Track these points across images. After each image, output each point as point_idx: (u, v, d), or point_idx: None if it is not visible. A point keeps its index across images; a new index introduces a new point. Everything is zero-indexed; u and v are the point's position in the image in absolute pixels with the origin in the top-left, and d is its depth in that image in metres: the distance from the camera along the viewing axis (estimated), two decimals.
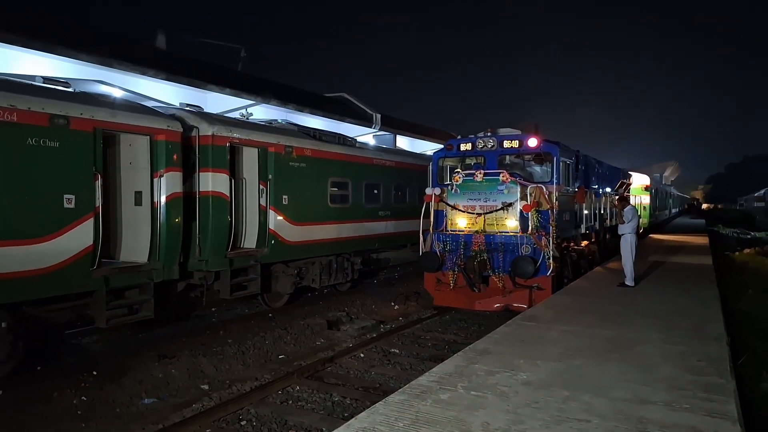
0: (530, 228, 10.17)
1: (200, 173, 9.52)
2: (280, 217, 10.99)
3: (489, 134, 11.43)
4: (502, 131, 11.61)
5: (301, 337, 9.57)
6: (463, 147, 11.55)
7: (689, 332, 7.05)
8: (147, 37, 13.72)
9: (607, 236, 16.60)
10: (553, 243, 10.11)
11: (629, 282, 10.55)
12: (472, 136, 11.67)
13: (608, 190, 16.71)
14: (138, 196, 8.82)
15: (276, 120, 12.57)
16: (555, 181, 10.77)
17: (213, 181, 9.58)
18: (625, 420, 4.22)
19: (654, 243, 21.27)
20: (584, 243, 13.74)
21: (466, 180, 10.69)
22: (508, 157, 11.26)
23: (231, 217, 9.94)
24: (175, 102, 11.21)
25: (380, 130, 18.16)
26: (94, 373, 7.39)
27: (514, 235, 10.23)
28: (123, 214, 8.94)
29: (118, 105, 8.52)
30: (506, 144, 11.07)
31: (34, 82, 7.79)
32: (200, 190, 9.51)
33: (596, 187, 14.99)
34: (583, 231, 13.37)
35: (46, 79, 8.01)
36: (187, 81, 11.74)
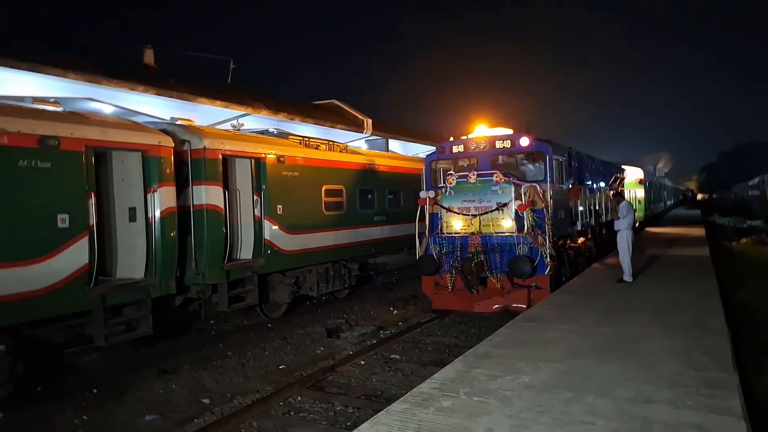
0: (526, 227, 10.17)
1: (194, 186, 9.48)
2: (275, 227, 10.96)
3: (481, 135, 11.45)
4: (494, 131, 11.63)
5: (300, 346, 9.53)
6: (455, 149, 11.55)
7: (690, 326, 7.05)
8: (134, 53, 13.71)
9: (603, 232, 16.63)
10: (549, 241, 10.12)
11: (627, 278, 10.56)
12: (465, 137, 11.69)
13: (602, 185, 16.75)
14: (132, 212, 8.78)
15: (267, 130, 12.55)
16: (548, 179, 10.78)
17: (207, 194, 9.54)
18: (629, 420, 4.21)
19: (650, 236, 21.32)
20: (581, 240, 13.76)
21: (460, 182, 10.69)
22: (500, 157, 11.27)
23: (226, 229, 9.91)
24: (166, 116, 11.19)
25: (372, 134, 18.17)
26: (95, 391, 7.34)
27: (510, 235, 10.22)
28: (117, 231, 8.89)
29: (109, 122, 8.50)
30: (498, 144, 11.08)
31: (23, 104, 7.77)
32: (194, 203, 9.48)
33: (590, 183, 15.02)
34: (578, 228, 13.38)
35: (36, 99, 7.99)
36: (177, 95, 11.72)
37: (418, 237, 11.09)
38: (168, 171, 8.88)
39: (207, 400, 7.26)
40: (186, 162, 9.44)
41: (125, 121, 8.95)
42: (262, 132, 12.14)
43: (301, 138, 12.59)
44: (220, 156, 9.81)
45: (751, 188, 61.61)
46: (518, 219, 10.25)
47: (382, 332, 10.62)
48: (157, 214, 8.71)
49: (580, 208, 13.54)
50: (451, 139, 12.58)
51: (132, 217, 8.77)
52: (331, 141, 13.56)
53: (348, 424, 6.14)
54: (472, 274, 10.40)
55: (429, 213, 11.09)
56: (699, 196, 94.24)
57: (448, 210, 10.80)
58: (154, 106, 11.60)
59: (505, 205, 10.30)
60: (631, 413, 4.35)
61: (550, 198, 10.60)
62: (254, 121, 13.80)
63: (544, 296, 9.84)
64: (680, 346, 6.19)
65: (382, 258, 15.32)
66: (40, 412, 6.66)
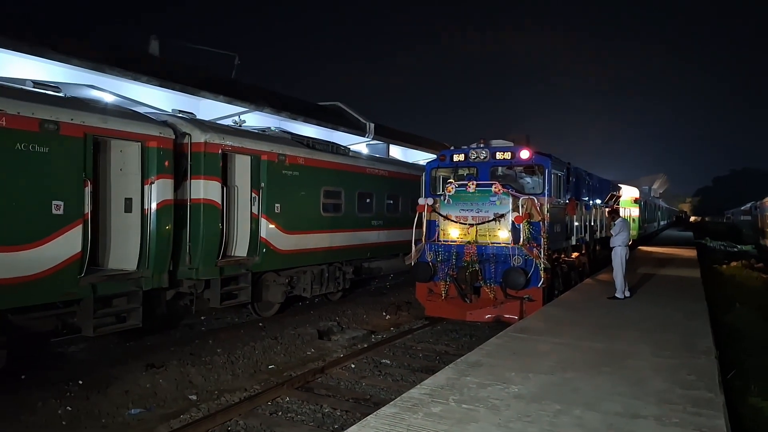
0: (522, 239, 10.20)
1: (192, 180, 9.44)
2: (271, 226, 10.93)
3: (482, 146, 11.50)
4: (495, 143, 11.68)
5: (291, 347, 9.49)
6: (456, 158, 11.60)
7: (679, 345, 7.09)
8: (140, 43, 13.70)
9: (597, 248, 16.70)
10: (544, 254, 10.15)
11: (619, 294, 10.60)
12: (465, 147, 11.74)
13: (598, 202, 16.84)
14: (128, 202, 8.73)
15: (269, 128, 12.53)
16: (546, 192, 10.83)
17: (205, 189, 9.51)
18: None
19: (643, 255, 21.43)
20: (575, 254, 13.81)
21: (459, 191, 10.73)
22: (500, 168, 11.32)
23: (222, 225, 9.87)
24: (168, 108, 11.16)
25: (373, 139, 18.21)
26: (80, 382, 7.26)
27: (505, 246, 10.26)
28: (112, 221, 8.83)
29: (110, 111, 8.46)
30: (499, 155, 11.14)
31: (24, 87, 7.71)
32: (191, 197, 9.43)
33: (587, 198, 15.11)
34: (573, 242, 13.45)
35: (36, 84, 7.93)
36: (180, 87, 11.70)
37: (414, 243, 11.10)
38: (167, 163, 8.84)
39: (194, 396, 7.20)
40: (185, 155, 9.40)
41: (126, 111, 8.91)
42: (263, 129, 12.13)
43: (302, 138, 12.59)
44: (220, 151, 9.79)
45: (743, 213, 62.07)
46: (514, 230, 10.29)
47: (373, 336, 10.59)
48: (154, 206, 8.66)
49: (576, 223, 13.60)
50: (452, 147, 12.63)
51: (128, 208, 8.72)
52: (333, 143, 13.57)
53: (335, 426, 6.11)
54: (466, 283, 10.42)
55: (427, 220, 11.11)
56: (692, 219, 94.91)
57: (446, 218, 10.82)
58: (157, 98, 11.57)
59: (503, 216, 10.34)
60: (619, 427, 4.36)
61: (547, 211, 10.65)
62: (256, 118, 13.79)
63: (536, 308, 9.86)
64: (669, 364, 6.22)
65: (377, 262, 15.30)
66: (23, 401, 6.57)
